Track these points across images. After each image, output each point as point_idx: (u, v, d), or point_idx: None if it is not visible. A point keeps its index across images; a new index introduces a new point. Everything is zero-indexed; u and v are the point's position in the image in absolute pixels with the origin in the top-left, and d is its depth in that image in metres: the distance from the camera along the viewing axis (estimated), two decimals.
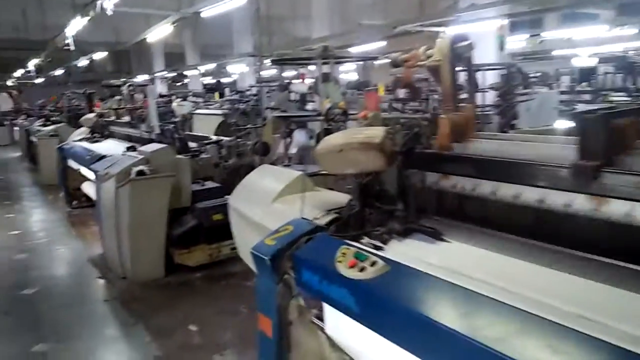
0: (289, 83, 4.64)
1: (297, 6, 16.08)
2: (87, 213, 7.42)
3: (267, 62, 16.22)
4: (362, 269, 1.85)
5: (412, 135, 2.35)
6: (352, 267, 1.89)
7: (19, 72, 21.77)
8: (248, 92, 14.31)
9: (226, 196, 5.55)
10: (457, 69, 2.74)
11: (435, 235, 2.14)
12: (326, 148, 2.43)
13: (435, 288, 1.69)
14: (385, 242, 2.22)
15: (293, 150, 5.63)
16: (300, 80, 5.18)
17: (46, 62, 15.38)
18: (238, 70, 17.74)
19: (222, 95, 18.00)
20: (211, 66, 18.28)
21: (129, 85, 7.04)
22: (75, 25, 9.53)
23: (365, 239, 2.23)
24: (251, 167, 6.69)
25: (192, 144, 6.45)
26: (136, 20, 15.05)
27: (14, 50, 21.03)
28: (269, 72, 19.58)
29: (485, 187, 2.12)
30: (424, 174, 2.40)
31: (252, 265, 2.54)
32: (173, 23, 10.16)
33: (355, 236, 2.26)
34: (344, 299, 1.88)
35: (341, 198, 2.81)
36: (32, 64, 17.88)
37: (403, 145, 2.34)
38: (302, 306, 2.28)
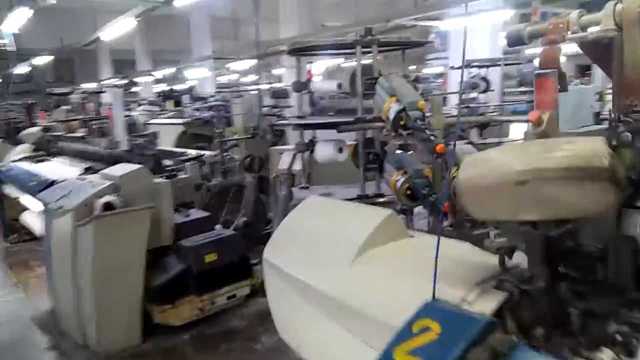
0: (308, 80, 3.51)
1: (260, 9, 15.10)
2: (30, 249, 5.98)
3: (229, 65, 14.97)
4: None
5: None
6: None
7: None
8: (213, 99, 13.08)
9: (217, 226, 4.41)
10: None
11: None
12: (489, 177, 1.35)
13: None
14: (632, 353, 1.18)
15: (297, 167, 4.53)
16: (308, 78, 4.09)
17: None
18: (197, 76, 16.37)
19: (178, 103, 16.75)
20: (168, 72, 16.80)
21: (82, 92, 5.69)
22: (16, 19, 7.81)
23: (607, 352, 1.17)
24: (241, 187, 5.54)
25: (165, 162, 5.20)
26: (82, 20, 13.47)
27: None
28: (230, 77, 18.34)
29: None
30: None
31: None
32: (137, 16, 8.60)
33: (584, 346, 1.19)
34: None
35: (465, 251, 1.74)
36: None
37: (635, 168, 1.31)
38: None
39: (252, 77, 17.52)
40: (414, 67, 17.43)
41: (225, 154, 5.29)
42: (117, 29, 9.75)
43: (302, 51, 3.46)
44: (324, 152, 3.36)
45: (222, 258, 3.89)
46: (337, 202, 2.40)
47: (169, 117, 14.15)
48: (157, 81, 19.62)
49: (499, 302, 1.36)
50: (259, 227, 5.18)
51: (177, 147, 8.72)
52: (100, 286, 3.50)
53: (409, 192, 2.44)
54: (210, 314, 3.93)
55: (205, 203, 5.09)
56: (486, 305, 1.36)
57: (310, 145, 3.47)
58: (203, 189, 5.11)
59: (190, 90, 17.40)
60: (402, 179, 2.49)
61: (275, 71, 14.82)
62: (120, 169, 3.88)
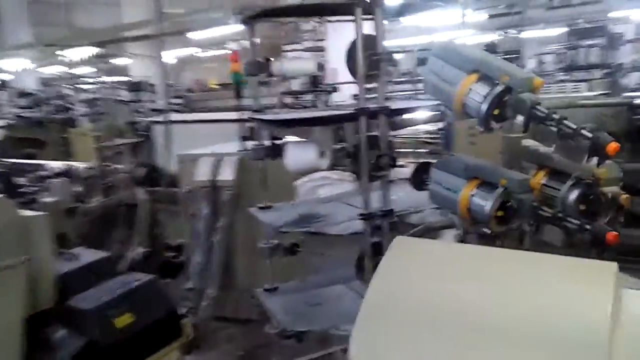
0: (268, 60, 2.51)
1: None
2: None
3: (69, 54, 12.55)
4: None
5: None
6: None
7: None
8: (44, 96, 10.83)
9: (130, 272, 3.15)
10: None
11: None
12: None
13: None
14: None
15: (225, 176, 3.50)
16: (233, 60, 3.16)
17: None
18: (13, 68, 13.45)
19: None
20: None
21: None
22: None
23: None
24: (132, 208, 4.19)
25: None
26: None
27: None
28: (53, 68, 15.56)
29: None
30: None
31: None
32: None
33: None
34: None
35: None
36: None
37: None
38: None
39: (87, 69, 15.01)
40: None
41: (105, 164, 3.94)
42: None
43: (264, 16, 2.43)
44: (301, 157, 2.41)
45: (141, 318, 2.70)
46: (457, 247, 1.53)
47: None
48: None
49: None
50: (160, 257, 3.97)
51: None
52: None
53: (501, 212, 1.69)
54: None
55: (82, 234, 3.72)
56: None
57: (274, 150, 2.48)
58: (78, 214, 3.72)
59: (2, 84, 14.32)
60: (493, 195, 1.71)
61: (116, 61, 12.88)
62: None
